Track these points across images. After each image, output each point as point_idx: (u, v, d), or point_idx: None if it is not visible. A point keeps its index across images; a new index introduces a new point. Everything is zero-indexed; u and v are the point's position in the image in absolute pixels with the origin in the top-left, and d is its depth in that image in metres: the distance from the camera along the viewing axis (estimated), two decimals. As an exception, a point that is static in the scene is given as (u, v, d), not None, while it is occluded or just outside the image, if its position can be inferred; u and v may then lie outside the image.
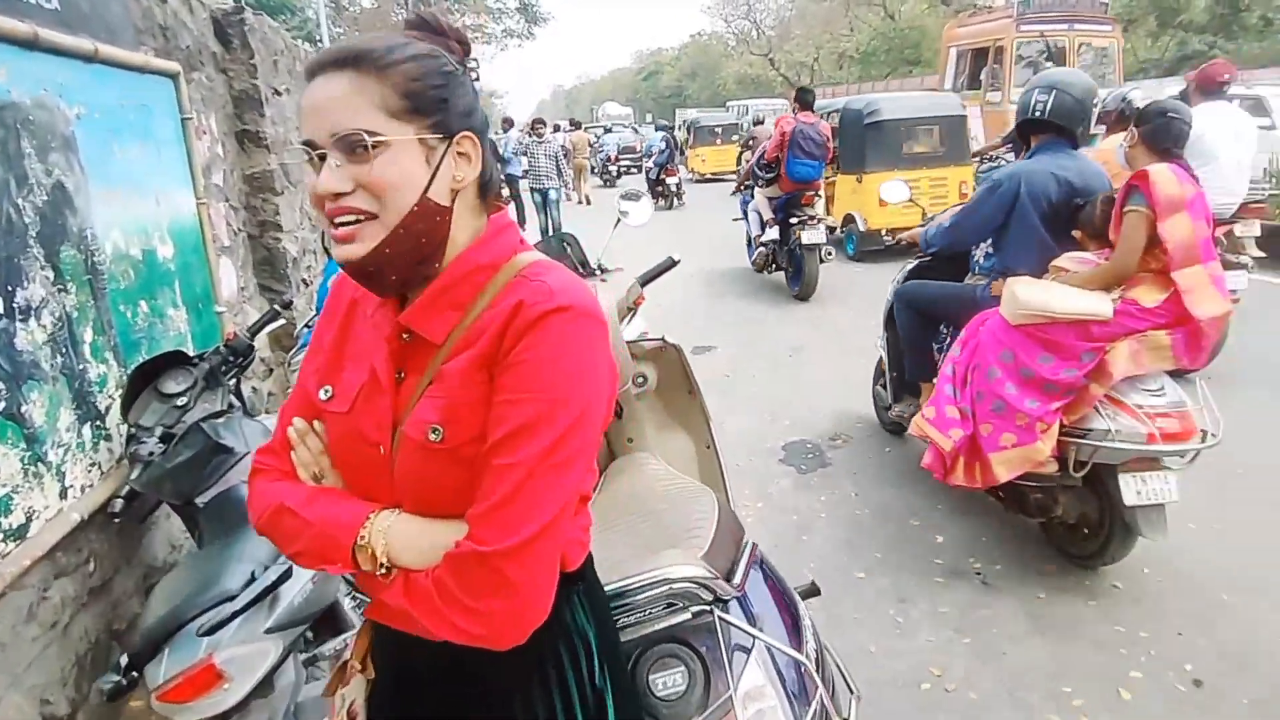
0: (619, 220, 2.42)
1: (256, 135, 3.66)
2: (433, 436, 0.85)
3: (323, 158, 0.83)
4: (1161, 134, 2.65)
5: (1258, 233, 4.61)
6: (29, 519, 1.86)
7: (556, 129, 19.07)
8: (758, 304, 7.25)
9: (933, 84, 17.87)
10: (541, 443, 0.81)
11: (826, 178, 7.54)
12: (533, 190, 10.78)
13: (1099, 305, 2.51)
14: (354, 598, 1.79)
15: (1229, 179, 4.41)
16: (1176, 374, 2.65)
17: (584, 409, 0.84)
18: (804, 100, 6.88)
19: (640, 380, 2.25)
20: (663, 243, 3.73)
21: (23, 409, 1.87)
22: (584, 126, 21.19)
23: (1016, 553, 2.97)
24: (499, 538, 0.80)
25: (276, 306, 2.39)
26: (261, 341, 2.62)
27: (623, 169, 21.46)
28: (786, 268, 7.26)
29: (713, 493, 1.64)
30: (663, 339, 2.21)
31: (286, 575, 1.40)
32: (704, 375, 2.34)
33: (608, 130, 26.35)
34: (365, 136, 0.81)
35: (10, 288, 1.85)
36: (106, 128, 2.38)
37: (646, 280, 2.29)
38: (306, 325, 3.45)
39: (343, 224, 0.84)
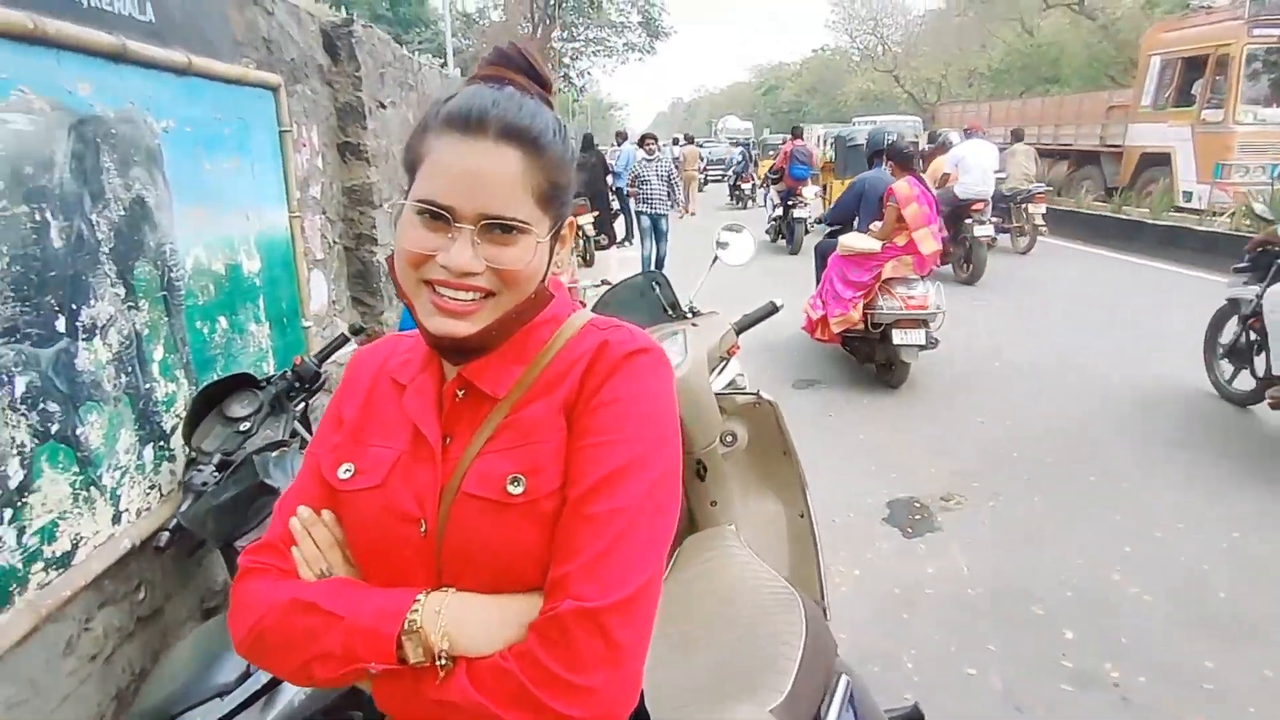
0: (715, 258, 2.18)
1: (358, 148, 3.63)
2: (513, 489, 0.79)
3: (447, 224, 0.78)
4: (906, 157, 5.31)
5: (1044, 210, 9.97)
6: (75, 546, 1.79)
7: (676, 142, 19.34)
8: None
9: (1076, 103, 16.89)
10: (639, 487, 0.77)
11: (823, 181, 12.57)
12: (640, 214, 9.55)
13: (872, 245, 5.09)
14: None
15: (979, 180, 8.58)
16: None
17: (675, 450, 0.82)
18: (796, 132, 12.67)
19: (729, 438, 1.99)
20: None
21: (78, 431, 1.80)
22: (696, 141, 22.75)
23: (1167, 662, 2.52)
24: (604, 592, 0.72)
25: (345, 332, 2.28)
26: (347, 354, 2.53)
27: (710, 177, 24.30)
28: (785, 235, 11.50)
29: (801, 602, 1.37)
30: (757, 394, 1.95)
31: (286, 673, 1.24)
32: (801, 415, 2.10)
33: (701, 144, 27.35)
34: (522, 226, 0.79)
35: (75, 306, 1.79)
36: (196, 140, 2.33)
37: (743, 327, 2.04)
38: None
39: (455, 299, 0.79)
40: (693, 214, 9.22)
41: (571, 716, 0.70)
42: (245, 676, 1.24)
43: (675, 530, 0.84)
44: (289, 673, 0.83)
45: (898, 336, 4.97)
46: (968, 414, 4.83)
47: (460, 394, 0.86)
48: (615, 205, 11.84)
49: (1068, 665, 2.52)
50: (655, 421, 0.81)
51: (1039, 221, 10.05)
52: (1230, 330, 4.79)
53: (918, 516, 3.55)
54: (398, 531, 0.83)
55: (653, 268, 8.87)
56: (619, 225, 11.76)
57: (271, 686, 1.22)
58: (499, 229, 0.78)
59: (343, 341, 2.26)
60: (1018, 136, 10.25)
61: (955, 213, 8.35)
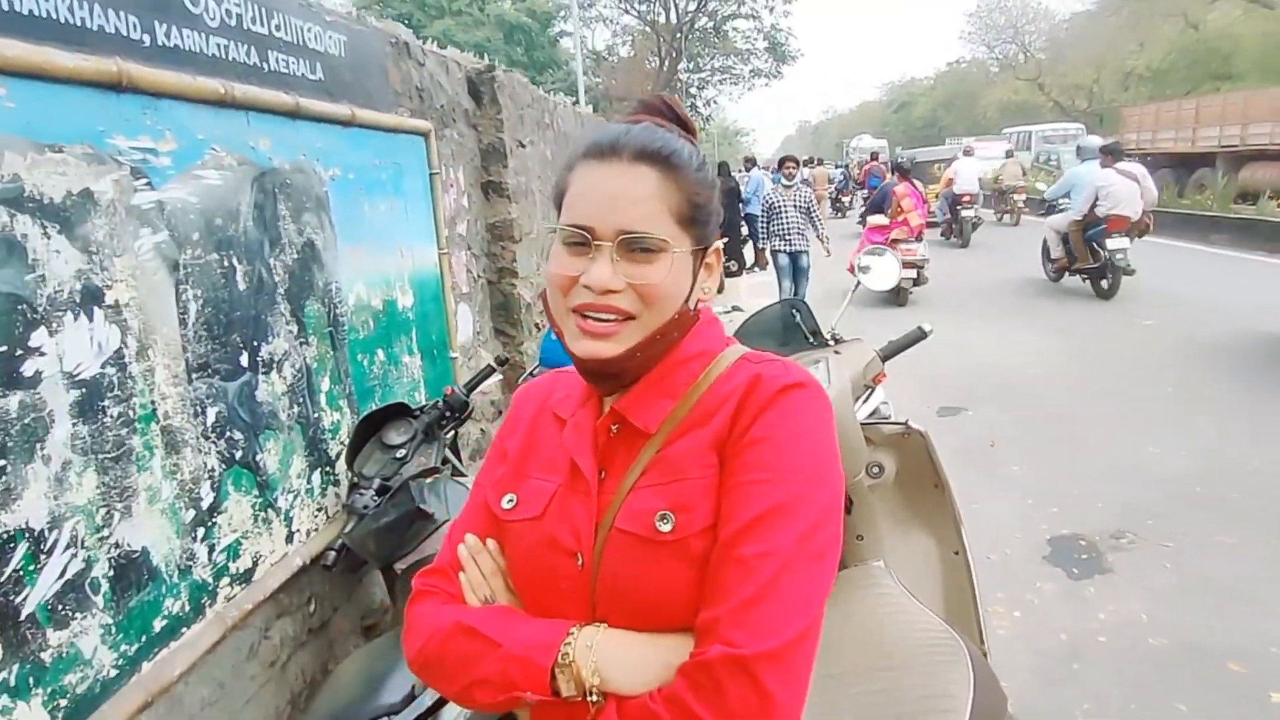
0: (858, 283, 2.11)
1: (499, 186, 3.81)
2: (662, 526, 0.78)
3: (587, 245, 0.80)
4: (906, 170, 9.85)
5: (1024, 198, 16.06)
6: (255, 563, 1.94)
7: (808, 163, 19.50)
8: (1020, 354, 6.38)
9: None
10: (797, 528, 0.73)
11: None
12: (776, 252, 7.85)
13: (883, 221, 9.24)
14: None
15: (967, 183, 13.57)
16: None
17: (835, 491, 0.78)
18: (874, 155, 17.48)
19: (875, 470, 1.91)
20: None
21: (258, 457, 1.96)
22: (823, 162, 24.65)
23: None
24: (756, 639, 0.69)
25: (492, 363, 2.37)
26: (493, 384, 2.63)
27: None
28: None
29: (965, 647, 1.27)
30: (906, 424, 1.86)
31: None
32: (950, 444, 1.96)
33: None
34: (658, 243, 0.79)
35: (256, 343, 1.96)
36: (358, 186, 2.52)
37: (890, 354, 1.96)
38: (531, 372, 3.49)
39: (599, 320, 0.80)
40: (826, 252, 7.77)
41: None
42: (411, 698, 1.28)
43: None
44: (453, 694, 0.86)
45: (902, 277, 8.00)
46: (1138, 442, 4.40)
47: (614, 429, 0.86)
48: (745, 231, 11.82)
49: (1276, 732, 2.21)
50: (811, 460, 0.77)
51: (1020, 204, 15.87)
52: None
53: (1085, 556, 3.25)
54: (555, 563, 0.84)
55: None
56: (748, 251, 11.70)
57: (437, 709, 1.26)
58: (638, 248, 0.79)
59: (489, 372, 2.35)
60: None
61: (954, 203, 13.71)
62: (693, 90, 30.20)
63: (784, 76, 30.79)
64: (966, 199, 13.41)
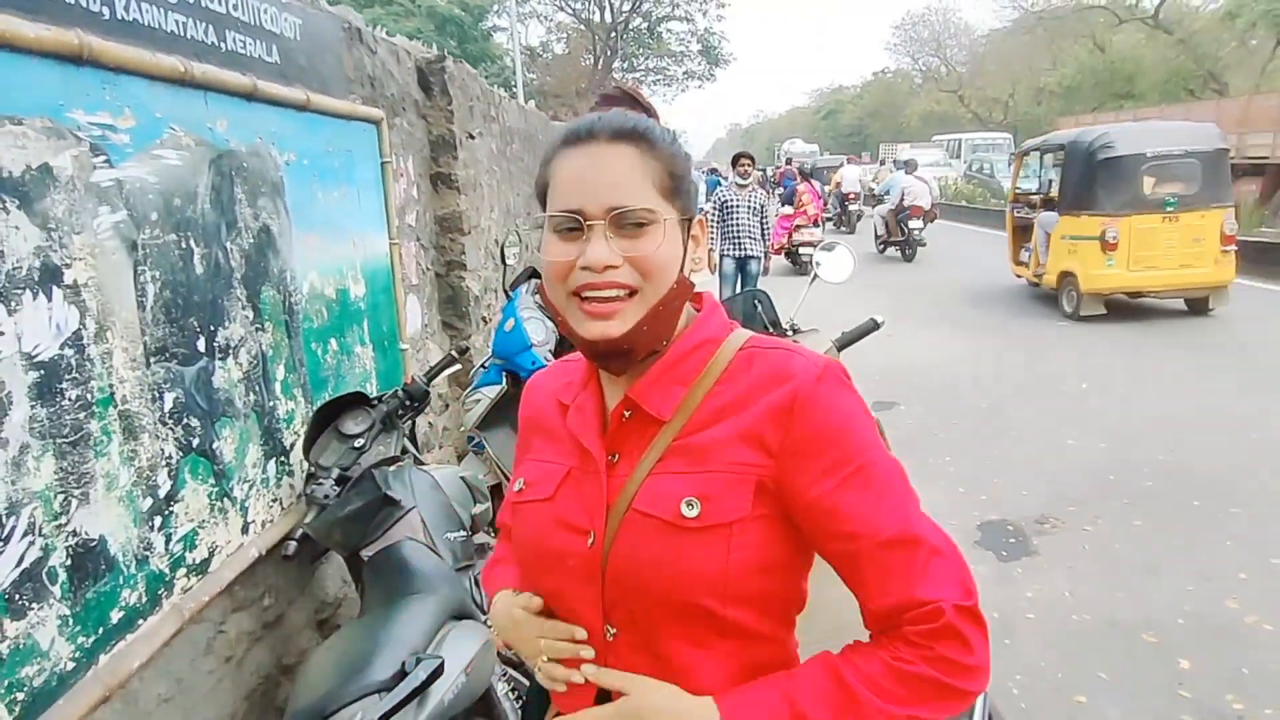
0: (814, 276, 2.19)
1: (449, 177, 3.77)
2: (688, 511, 0.79)
3: (580, 227, 0.81)
4: (808, 174, 13.67)
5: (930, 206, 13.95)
6: (212, 554, 1.89)
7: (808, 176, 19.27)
8: (949, 352, 6.67)
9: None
10: (897, 490, 0.81)
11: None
12: (725, 257, 7.30)
13: (790, 211, 12.39)
14: (509, 681, 1.66)
15: (853, 184, 17.67)
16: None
17: (881, 438, 0.85)
18: (788, 160, 16.74)
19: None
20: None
21: (214, 446, 1.91)
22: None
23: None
24: (962, 592, 0.78)
25: (453, 352, 2.37)
26: (440, 378, 2.62)
27: None
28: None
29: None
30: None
31: (439, 671, 1.29)
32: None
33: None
34: (646, 214, 0.81)
35: (213, 328, 1.91)
36: (312, 172, 2.47)
37: (845, 344, 2.04)
38: (482, 365, 3.48)
39: (602, 299, 0.81)
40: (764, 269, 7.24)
41: (976, 693, 0.78)
42: (402, 675, 1.29)
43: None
44: None
45: (802, 252, 11.49)
46: (1057, 435, 4.68)
47: (627, 415, 0.88)
48: None
49: (1186, 695, 2.40)
50: (869, 429, 0.82)
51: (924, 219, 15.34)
52: None
53: (1012, 540, 3.45)
54: (565, 542, 0.86)
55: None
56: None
57: (429, 683, 1.27)
58: (629, 222, 0.81)
59: (450, 362, 2.35)
60: (910, 168, 13.78)
61: (843, 200, 17.17)
62: (627, 90, 30.20)
63: (716, 79, 31.26)
64: (851, 196, 17.42)
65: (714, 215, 7.18)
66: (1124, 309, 7.96)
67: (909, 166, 13.89)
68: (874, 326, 2.09)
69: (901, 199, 12.84)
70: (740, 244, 7.13)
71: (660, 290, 0.82)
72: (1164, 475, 4.04)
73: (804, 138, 46.85)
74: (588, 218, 0.80)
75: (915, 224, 12.89)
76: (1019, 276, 9.49)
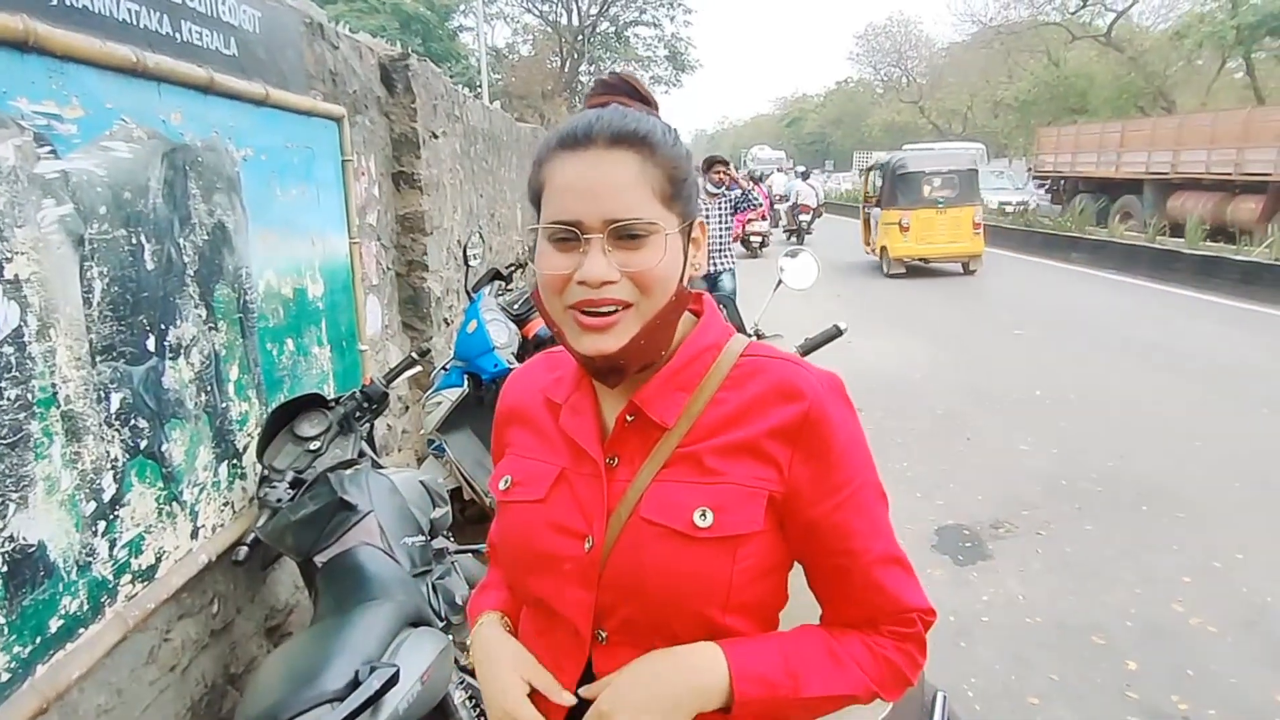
0: (779, 282, 2.20)
1: (411, 177, 3.73)
2: (701, 521, 0.79)
3: (576, 240, 0.78)
4: (757, 179, 15.45)
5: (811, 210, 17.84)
6: (158, 560, 1.84)
7: (805, 175, 20.66)
8: (904, 356, 6.78)
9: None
10: (884, 508, 0.86)
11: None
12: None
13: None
14: (467, 689, 1.63)
15: (808, 196, 17.81)
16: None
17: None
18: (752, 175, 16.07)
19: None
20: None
21: (163, 448, 1.85)
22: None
23: (1236, 694, 2.46)
24: (920, 597, 0.87)
25: (414, 354, 2.33)
26: (400, 380, 2.58)
27: None
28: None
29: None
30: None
31: (393, 681, 1.26)
32: None
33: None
34: (646, 226, 0.78)
35: (163, 326, 1.85)
36: (270, 168, 2.42)
37: (808, 350, 2.06)
38: (443, 367, 3.43)
39: (600, 314, 0.78)
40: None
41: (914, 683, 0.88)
42: (355, 684, 1.26)
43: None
44: None
45: (752, 240, 14.74)
46: (1011, 442, 4.78)
47: (630, 419, 0.86)
48: None
49: (1133, 696, 2.46)
50: (865, 449, 0.86)
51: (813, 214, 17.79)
52: None
53: (968, 544, 3.51)
54: (558, 545, 0.84)
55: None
56: None
57: (383, 693, 1.24)
58: (628, 235, 0.77)
59: (411, 363, 2.31)
60: (805, 176, 18.03)
61: (795, 210, 17.60)
62: (593, 93, 30.20)
63: (683, 85, 31.43)
64: (805, 208, 18.37)
65: None
66: (920, 271, 12.26)
67: (804, 175, 19.34)
68: (837, 333, 2.12)
69: (796, 198, 17.48)
70: (709, 258, 6.20)
71: (658, 304, 0.80)
72: (1113, 481, 4.15)
73: (771, 144, 47.32)
74: (585, 230, 0.77)
75: (804, 217, 17.40)
76: (868, 252, 13.37)
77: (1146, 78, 25.45)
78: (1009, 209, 18.43)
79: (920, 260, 12.10)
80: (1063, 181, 19.08)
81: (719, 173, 6.27)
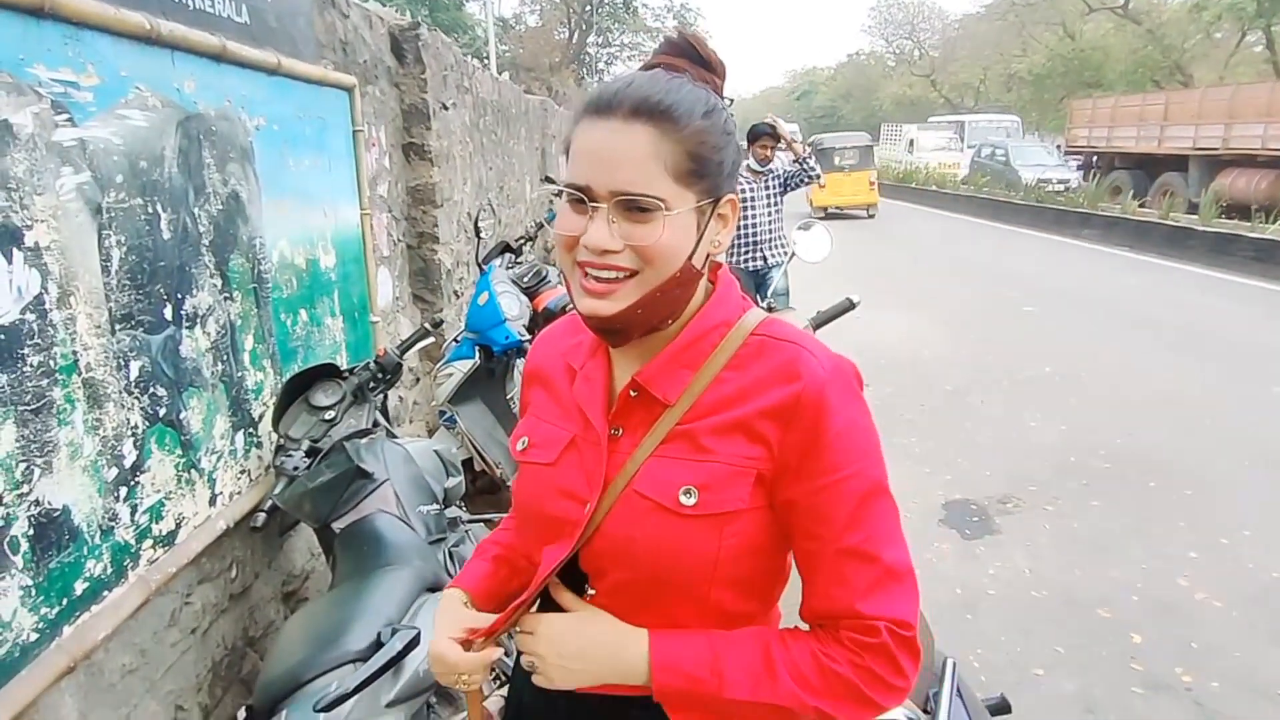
0: (792, 255, 2.20)
1: (421, 148, 3.71)
2: (686, 499, 0.80)
3: (585, 204, 0.79)
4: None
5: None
6: (178, 525, 1.86)
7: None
8: (913, 332, 6.77)
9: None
10: (881, 504, 0.81)
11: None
12: (735, 271, 4.93)
13: None
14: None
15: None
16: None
17: (882, 454, 0.84)
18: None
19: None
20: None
21: (181, 416, 1.87)
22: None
23: (1240, 667, 2.48)
24: (903, 608, 0.79)
25: (427, 325, 2.34)
26: (412, 351, 2.59)
27: None
28: None
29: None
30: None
31: (415, 642, 1.28)
32: None
33: None
34: (652, 203, 0.77)
35: (180, 296, 1.86)
36: (283, 138, 2.41)
37: (820, 323, 2.06)
38: (455, 339, 3.45)
39: (599, 278, 0.80)
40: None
41: (889, 707, 0.81)
42: (378, 645, 1.28)
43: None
44: None
45: None
46: (1020, 419, 4.78)
47: (634, 394, 0.87)
48: None
49: (1138, 669, 2.49)
50: (869, 438, 0.82)
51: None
52: None
53: (975, 519, 3.53)
54: (564, 509, 0.87)
55: None
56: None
57: (404, 654, 1.27)
58: (635, 207, 0.78)
59: (424, 334, 2.32)
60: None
61: None
62: (601, 65, 30.00)
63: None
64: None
65: None
66: (836, 216, 16.78)
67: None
68: (850, 305, 2.11)
69: None
70: (756, 250, 5.01)
71: (661, 276, 0.80)
72: (1120, 457, 4.16)
73: (783, 118, 46.86)
74: (593, 198, 0.78)
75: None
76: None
77: (1164, 51, 25.04)
78: (1050, 188, 16.35)
79: (836, 208, 17.16)
80: (1095, 157, 17.88)
81: (765, 147, 5.05)
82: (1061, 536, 3.35)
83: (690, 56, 0.86)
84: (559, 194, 0.83)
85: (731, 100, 0.89)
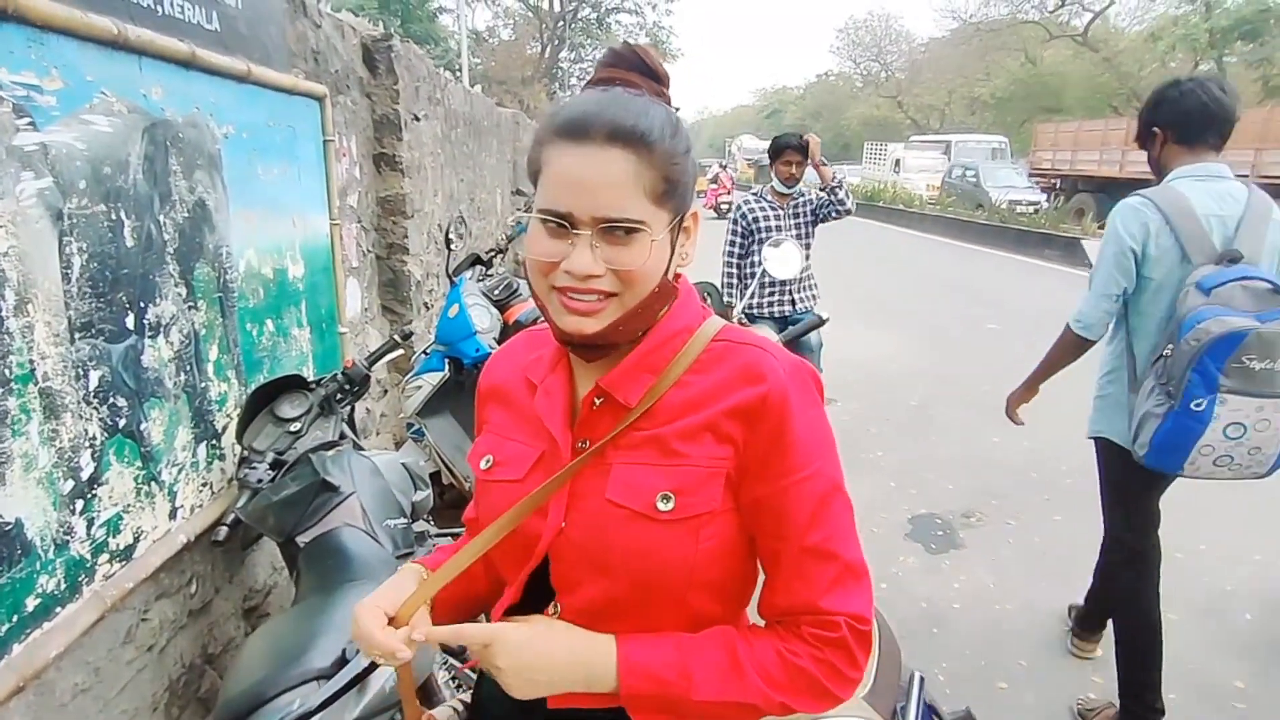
0: (762, 270, 2.22)
1: (392, 159, 3.69)
2: (663, 505, 0.81)
3: (566, 231, 0.79)
4: (724, 166, 25.76)
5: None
6: (137, 540, 1.82)
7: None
8: (876, 348, 6.86)
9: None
10: (839, 502, 0.84)
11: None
12: (757, 318, 3.82)
13: (714, 187, 23.39)
14: (450, 669, 1.64)
15: None
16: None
17: (837, 452, 0.87)
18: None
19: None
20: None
21: (142, 427, 1.83)
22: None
23: (1196, 679, 2.54)
24: (858, 603, 0.83)
25: (396, 336, 2.32)
26: (380, 363, 2.57)
27: None
28: None
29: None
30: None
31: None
32: None
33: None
34: (635, 224, 0.79)
35: (143, 305, 1.83)
36: (252, 147, 2.38)
37: (791, 338, 2.08)
38: (424, 351, 3.42)
39: (582, 300, 0.81)
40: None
41: (844, 699, 0.84)
42: (343, 662, 1.26)
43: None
44: None
45: (720, 208, 20.56)
46: (983, 434, 4.86)
47: (598, 402, 0.88)
48: None
49: (1098, 680, 2.53)
50: (826, 438, 0.85)
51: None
52: None
53: (940, 533, 3.57)
54: (533, 522, 0.87)
55: None
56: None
57: (369, 672, 1.25)
58: (617, 230, 0.79)
59: (393, 346, 2.30)
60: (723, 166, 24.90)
61: None
62: (573, 80, 30.11)
63: (664, 74, 31.30)
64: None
65: (733, 245, 4.03)
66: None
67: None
68: (820, 322, 2.14)
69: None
70: (783, 291, 3.90)
71: (639, 296, 0.82)
72: (1081, 472, 4.23)
73: (757, 134, 47.33)
74: (575, 225, 0.79)
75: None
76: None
77: (1120, 78, 25.85)
78: (1019, 209, 16.30)
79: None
80: (1059, 180, 18.14)
81: (789, 162, 3.96)
82: (1025, 550, 3.40)
83: (640, 69, 0.87)
84: (527, 209, 0.84)
85: (678, 108, 0.90)
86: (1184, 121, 2.05)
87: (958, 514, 3.75)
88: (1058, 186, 18.43)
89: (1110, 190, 15.74)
